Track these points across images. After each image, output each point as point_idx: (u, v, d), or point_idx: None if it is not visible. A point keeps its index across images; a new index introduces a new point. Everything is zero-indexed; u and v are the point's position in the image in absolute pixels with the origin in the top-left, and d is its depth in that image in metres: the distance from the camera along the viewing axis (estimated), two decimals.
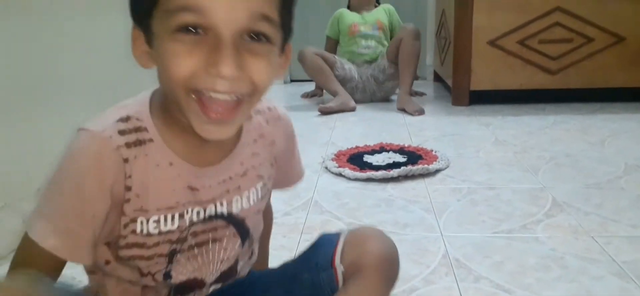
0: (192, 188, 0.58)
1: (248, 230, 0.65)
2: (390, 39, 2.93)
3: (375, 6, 3.02)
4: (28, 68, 1.21)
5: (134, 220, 0.56)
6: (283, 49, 0.57)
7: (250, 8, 0.49)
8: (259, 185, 0.65)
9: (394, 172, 1.56)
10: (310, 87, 3.16)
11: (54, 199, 0.54)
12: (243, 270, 0.68)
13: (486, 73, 2.62)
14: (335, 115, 2.57)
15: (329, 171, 1.65)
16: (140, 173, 0.54)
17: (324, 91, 2.96)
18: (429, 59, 3.67)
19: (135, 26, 0.55)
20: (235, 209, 0.62)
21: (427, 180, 1.55)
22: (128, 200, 0.55)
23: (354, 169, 1.61)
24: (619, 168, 1.62)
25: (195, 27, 0.48)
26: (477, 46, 2.59)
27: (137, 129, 0.55)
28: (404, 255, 1.08)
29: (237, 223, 0.63)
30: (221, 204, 0.61)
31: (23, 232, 0.56)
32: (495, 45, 2.59)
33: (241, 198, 0.63)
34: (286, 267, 0.73)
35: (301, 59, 2.80)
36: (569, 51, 2.56)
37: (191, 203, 0.58)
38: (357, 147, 1.89)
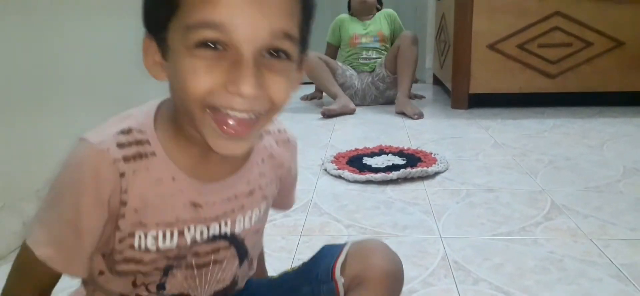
0: (195, 205, 0.56)
1: (247, 250, 0.64)
2: (391, 44, 2.95)
3: (378, 9, 3.03)
4: (28, 68, 1.21)
5: (131, 235, 0.54)
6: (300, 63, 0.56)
7: (273, 25, 0.48)
8: (263, 206, 0.64)
9: (393, 175, 1.56)
10: (310, 89, 3.17)
11: (52, 209, 0.53)
12: (241, 281, 0.67)
13: (485, 76, 2.62)
14: (335, 118, 2.57)
15: (328, 173, 1.65)
16: (139, 187, 0.53)
17: (324, 94, 2.97)
18: (429, 62, 3.68)
19: (148, 36, 0.53)
20: (237, 229, 0.61)
21: (426, 183, 1.55)
22: (123, 215, 0.53)
23: (353, 171, 1.61)
24: (618, 171, 1.62)
25: (214, 43, 0.47)
26: (477, 50, 2.60)
27: (138, 142, 0.53)
28: (403, 257, 1.08)
29: (237, 243, 0.62)
30: (225, 223, 0.59)
31: (25, 236, 0.55)
32: (495, 48, 2.59)
33: (244, 218, 0.61)
34: (286, 278, 0.72)
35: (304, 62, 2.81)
36: (568, 55, 2.57)
37: (193, 221, 0.57)
38: (356, 150, 1.89)
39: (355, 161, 1.74)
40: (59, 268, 0.53)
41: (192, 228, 0.57)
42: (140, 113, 0.56)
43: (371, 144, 1.96)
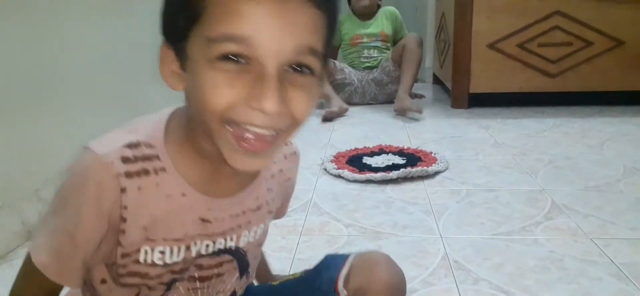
0: (204, 220, 0.55)
1: (248, 263, 0.63)
2: (394, 42, 2.95)
3: (378, 6, 3.02)
4: (28, 68, 1.21)
5: (137, 250, 0.53)
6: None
7: (298, 41, 0.46)
8: (268, 220, 0.63)
9: (393, 174, 1.56)
10: None
11: (54, 216, 0.53)
12: (239, 291, 0.67)
13: (485, 76, 2.62)
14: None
15: (328, 173, 1.65)
16: (148, 204, 0.52)
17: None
18: (429, 61, 3.68)
19: (165, 44, 0.51)
20: (242, 243, 0.60)
21: (426, 182, 1.55)
22: (123, 231, 0.52)
23: (353, 171, 1.61)
24: (618, 171, 1.62)
25: (237, 56, 0.45)
26: (477, 49, 2.60)
27: (145, 158, 0.52)
28: (403, 257, 1.09)
29: (240, 257, 0.61)
30: (231, 238, 0.58)
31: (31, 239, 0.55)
32: (495, 48, 2.59)
33: (249, 233, 0.60)
34: (286, 285, 0.71)
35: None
36: (568, 54, 2.57)
37: (201, 236, 0.56)
38: (356, 149, 1.89)
39: (355, 160, 1.74)
40: (53, 277, 0.52)
41: (198, 242, 0.56)
42: (150, 124, 0.54)
43: (371, 144, 1.96)
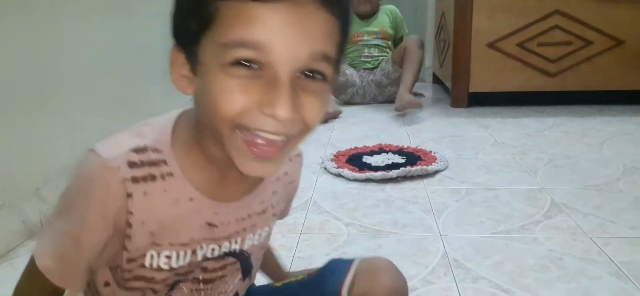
0: (211, 225, 0.55)
1: (252, 265, 0.64)
2: (394, 40, 2.95)
3: (379, 6, 3.02)
4: (28, 68, 1.22)
5: (142, 255, 0.53)
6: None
7: (312, 47, 0.45)
8: (272, 222, 0.64)
9: (393, 173, 1.56)
10: None
11: (59, 219, 0.52)
12: (241, 293, 0.67)
13: (485, 75, 2.62)
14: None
15: (328, 171, 1.65)
16: (155, 210, 0.51)
17: None
18: (428, 61, 3.67)
19: (176, 48, 0.50)
20: (246, 246, 0.60)
21: (426, 181, 1.55)
22: (129, 236, 0.52)
23: (353, 170, 1.62)
24: (618, 170, 1.62)
25: (250, 62, 0.45)
26: (477, 48, 2.60)
27: (152, 163, 0.51)
28: (403, 256, 1.09)
29: (244, 259, 0.62)
30: (236, 241, 0.58)
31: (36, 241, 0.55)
32: (495, 47, 2.59)
33: (254, 236, 0.61)
34: (289, 287, 0.71)
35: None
36: (568, 54, 2.57)
37: (207, 240, 0.56)
38: (356, 148, 1.89)
39: (355, 159, 1.74)
40: (56, 281, 0.51)
41: (204, 246, 0.56)
42: (157, 128, 0.53)
43: (371, 143, 1.97)
